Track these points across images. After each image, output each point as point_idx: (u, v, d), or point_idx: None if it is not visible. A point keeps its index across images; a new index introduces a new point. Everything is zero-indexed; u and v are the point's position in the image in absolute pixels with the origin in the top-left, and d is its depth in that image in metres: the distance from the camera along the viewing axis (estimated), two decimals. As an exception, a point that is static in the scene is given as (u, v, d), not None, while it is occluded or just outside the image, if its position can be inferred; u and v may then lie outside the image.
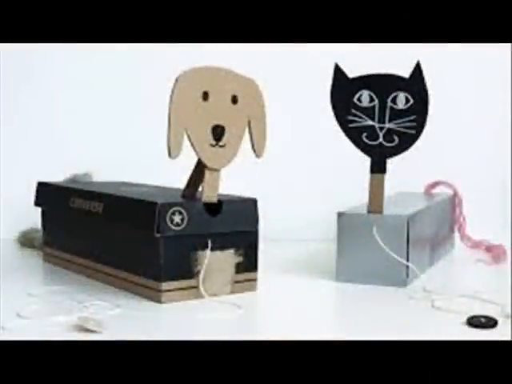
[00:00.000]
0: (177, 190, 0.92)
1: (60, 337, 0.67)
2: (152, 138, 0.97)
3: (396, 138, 0.93)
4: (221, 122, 0.82)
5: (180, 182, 0.88)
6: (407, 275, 0.90)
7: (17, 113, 1.29)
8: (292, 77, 1.27)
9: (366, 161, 0.94)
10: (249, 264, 0.87)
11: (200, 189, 0.85)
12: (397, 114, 0.92)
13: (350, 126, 0.94)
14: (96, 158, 1.23)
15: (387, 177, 0.94)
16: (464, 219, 1.22)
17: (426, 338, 0.65)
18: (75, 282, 0.91)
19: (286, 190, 1.28)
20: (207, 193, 0.83)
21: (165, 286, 0.81)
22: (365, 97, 0.93)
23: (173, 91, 0.79)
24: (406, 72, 0.92)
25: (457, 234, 1.23)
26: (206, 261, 0.82)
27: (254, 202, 0.87)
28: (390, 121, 0.93)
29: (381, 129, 0.93)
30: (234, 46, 1.16)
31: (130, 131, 1.29)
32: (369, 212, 0.93)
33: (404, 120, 0.92)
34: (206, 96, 0.81)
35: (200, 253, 0.83)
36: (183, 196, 0.86)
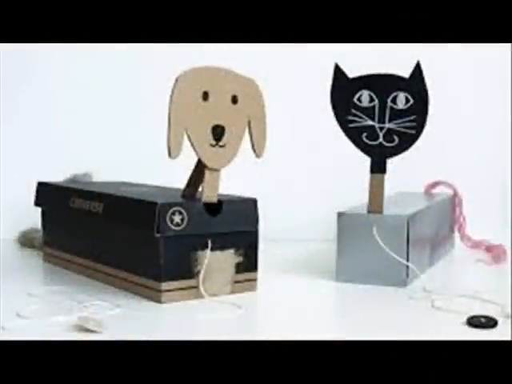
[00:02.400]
0: (177, 190, 0.92)
1: (60, 337, 0.67)
2: (152, 137, 0.97)
3: (396, 138, 0.93)
4: (221, 122, 0.82)
5: (180, 181, 0.88)
6: (407, 275, 0.90)
7: (17, 113, 1.29)
8: (292, 77, 1.27)
9: (366, 161, 0.94)
10: (249, 264, 0.87)
11: (200, 189, 0.85)
12: (397, 114, 0.92)
13: (350, 125, 0.94)
14: (96, 158, 1.23)
15: (387, 177, 0.94)
16: (464, 219, 1.22)
17: (426, 338, 0.65)
18: (75, 282, 0.91)
19: (286, 190, 1.28)
20: (207, 193, 0.83)
21: (165, 286, 0.81)
22: (365, 97, 0.93)
23: (173, 91, 0.79)
24: (406, 72, 0.92)
25: (457, 234, 1.23)
26: (206, 261, 0.82)
27: (254, 202, 0.87)
28: (390, 121, 0.93)
29: (381, 129, 0.93)
30: (234, 46, 1.15)
31: (129, 131, 1.29)
32: (369, 212, 0.93)
33: (404, 120, 0.92)
34: (206, 96, 0.81)
35: (200, 253, 0.83)
36: (183, 196, 0.86)
